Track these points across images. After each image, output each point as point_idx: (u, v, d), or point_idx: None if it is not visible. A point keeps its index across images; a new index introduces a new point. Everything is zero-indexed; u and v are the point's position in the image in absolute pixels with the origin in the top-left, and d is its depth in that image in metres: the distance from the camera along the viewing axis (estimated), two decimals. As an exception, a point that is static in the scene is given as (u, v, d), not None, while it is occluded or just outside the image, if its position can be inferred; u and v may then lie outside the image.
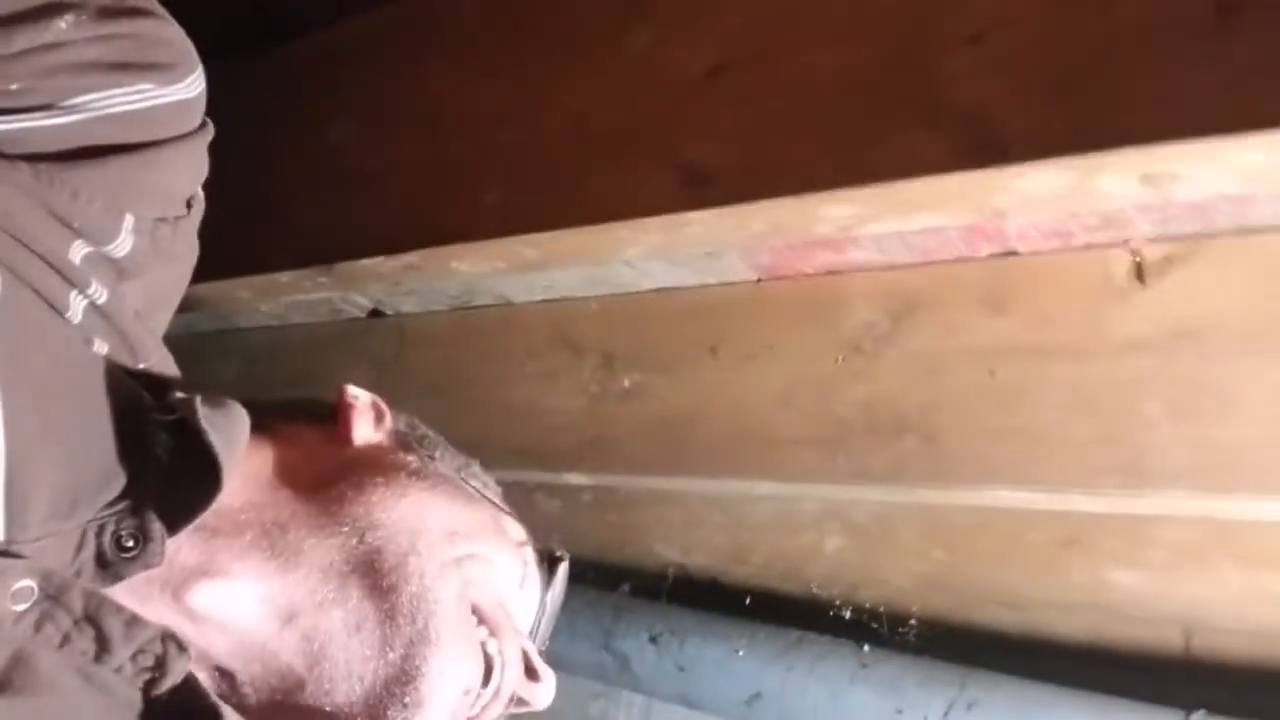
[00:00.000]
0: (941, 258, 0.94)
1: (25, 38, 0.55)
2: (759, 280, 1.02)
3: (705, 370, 0.99)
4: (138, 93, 0.59)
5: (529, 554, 0.74)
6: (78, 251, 0.58)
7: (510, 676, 0.69)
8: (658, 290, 1.05)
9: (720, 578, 1.19)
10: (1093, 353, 0.85)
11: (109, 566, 0.54)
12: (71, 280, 0.58)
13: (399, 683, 0.60)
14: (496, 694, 0.68)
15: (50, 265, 0.56)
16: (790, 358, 0.98)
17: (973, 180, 0.63)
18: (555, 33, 0.87)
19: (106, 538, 0.55)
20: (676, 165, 0.73)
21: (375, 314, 1.22)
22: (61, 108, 0.57)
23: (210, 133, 0.66)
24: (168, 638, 0.55)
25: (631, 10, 0.81)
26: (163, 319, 0.69)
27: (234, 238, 1.02)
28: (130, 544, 0.55)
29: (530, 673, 0.72)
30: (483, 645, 0.67)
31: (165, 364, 0.66)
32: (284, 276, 0.98)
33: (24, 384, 0.53)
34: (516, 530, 0.74)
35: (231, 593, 0.59)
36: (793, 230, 0.73)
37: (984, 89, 0.63)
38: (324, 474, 0.66)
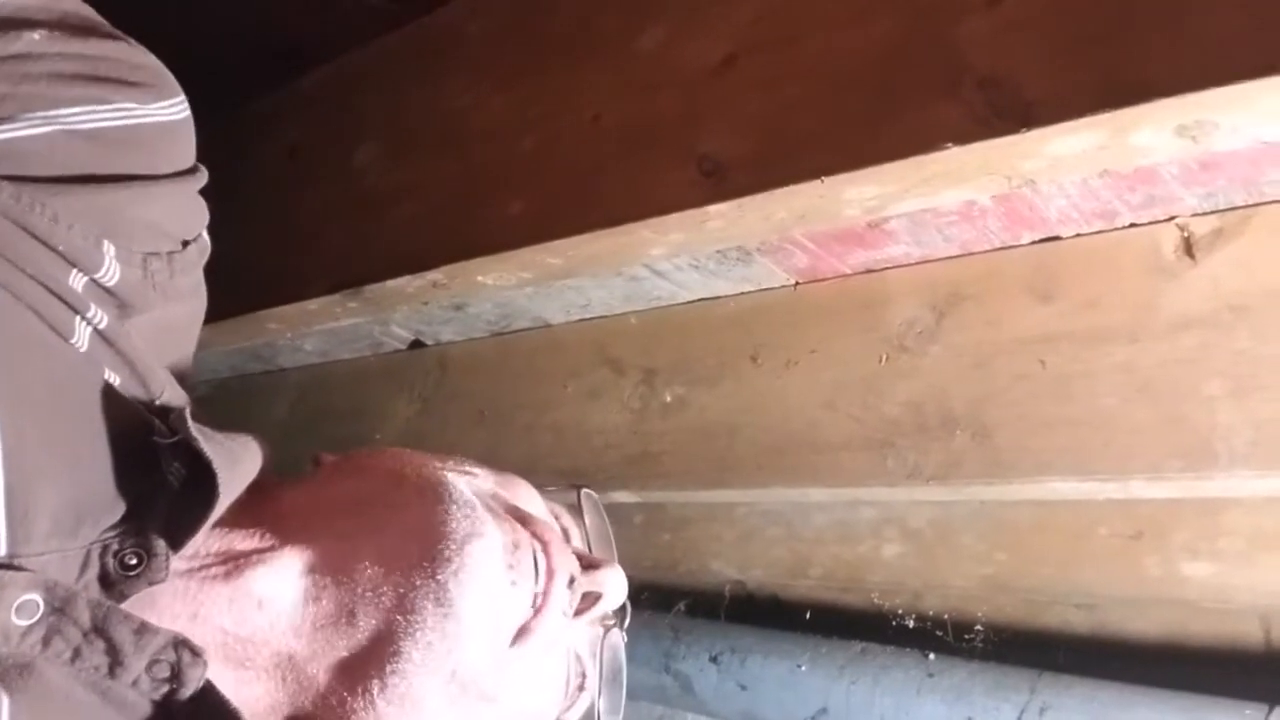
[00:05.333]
0: (982, 248, 0.92)
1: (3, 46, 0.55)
2: (796, 284, 1.00)
3: (747, 379, 0.97)
4: (118, 110, 0.59)
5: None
6: (77, 280, 0.58)
7: (560, 557, 0.66)
8: (695, 302, 1.04)
9: (779, 592, 1.16)
10: (1146, 334, 0.82)
11: (113, 585, 0.53)
12: (73, 305, 0.57)
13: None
14: (550, 576, 0.65)
15: (50, 290, 0.56)
16: (833, 360, 0.95)
17: (998, 148, 0.61)
18: (566, 38, 0.87)
19: (110, 557, 0.54)
20: (694, 159, 0.71)
21: (416, 344, 1.23)
22: (38, 118, 0.56)
23: (203, 178, 0.65)
24: (180, 644, 0.54)
25: (641, 9, 0.81)
26: (179, 360, 0.69)
27: (262, 268, 1.04)
28: (134, 561, 0.54)
29: (588, 565, 0.70)
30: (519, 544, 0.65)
31: (178, 401, 0.66)
32: (313, 304, 0.98)
33: (24, 401, 0.52)
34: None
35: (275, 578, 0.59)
36: (818, 217, 0.72)
37: (1004, 52, 0.61)
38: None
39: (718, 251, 0.88)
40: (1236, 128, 0.59)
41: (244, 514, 0.61)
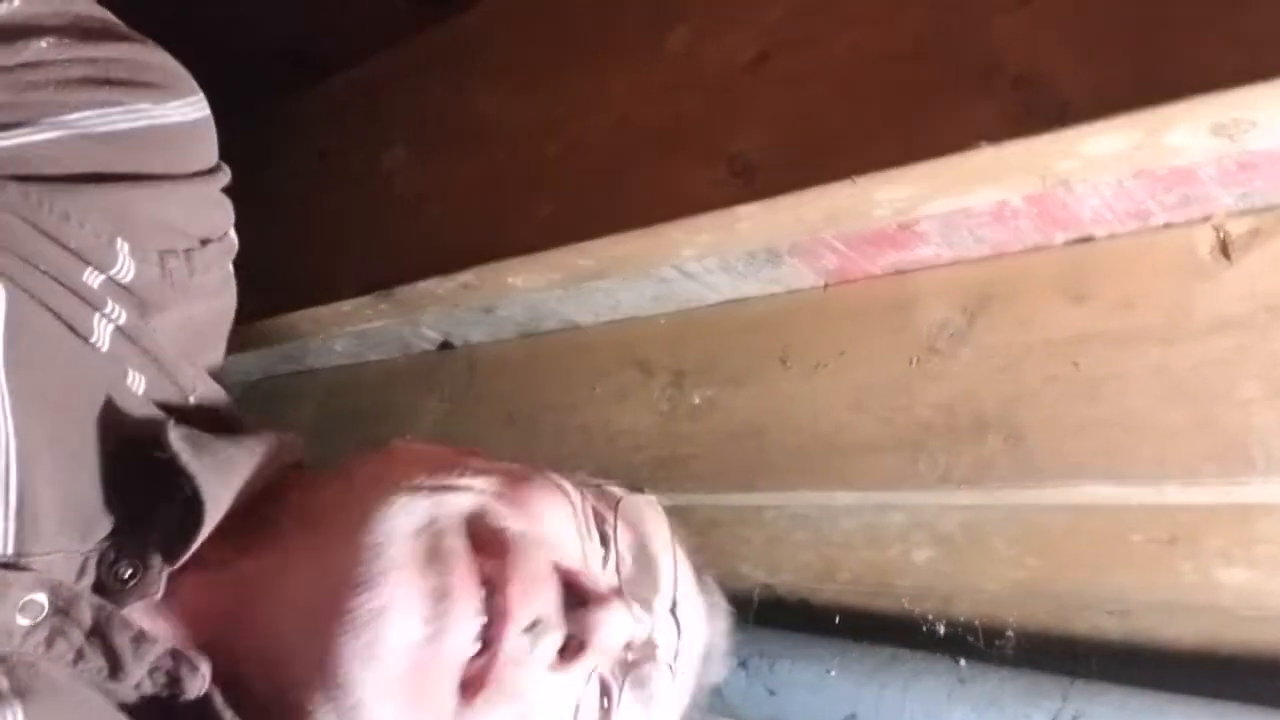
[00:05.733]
0: (1014, 249, 0.91)
1: (3, 56, 0.55)
2: (825, 286, 0.99)
3: (776, 381, 0.97)
4: (130, 111, 0.59)
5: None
6: (93, 277, 0.58)
7: (520, 598, 0.56)
8: (724, 303, 1.03)
9: (808, 597, 1.16)
10: (1181, 335, 0.81)
11: (108, 594, 0.53)
12: (90, 301, 0.57)
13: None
14: (502, 620, 0.55)
15: (65, 287, 0.56)
16: (863, 362, 0.95)
17: (1031, 147, 0.60)
18: (593, 40, 0.86)
19: (105, 567, 0.54)
20: (724, 159, 0.71)
21: (445, 346, 1.23)
22: (48, 123, 0.56)
23: (225, 177, 0.65)
24: (178, 655, 0.53)
25: (668, 10, 0.81)
26: (210, 358, 0.69)
27: (295, 271, 1.05)
28: (128, 574, 0.54)
29: (580, 601, 0.59)
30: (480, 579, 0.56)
31: (213, 396, 0.66)
32: (345, 305, 0.98)
33: (40, 401, 0.52)
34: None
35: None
36: (849, 218, 0.71)
37: (1037, 49, 0.60)
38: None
39: (747, 253, 0.87)
40: (1274, 126, 0.58)
41: (249, 517, 0.59)
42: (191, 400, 0.63)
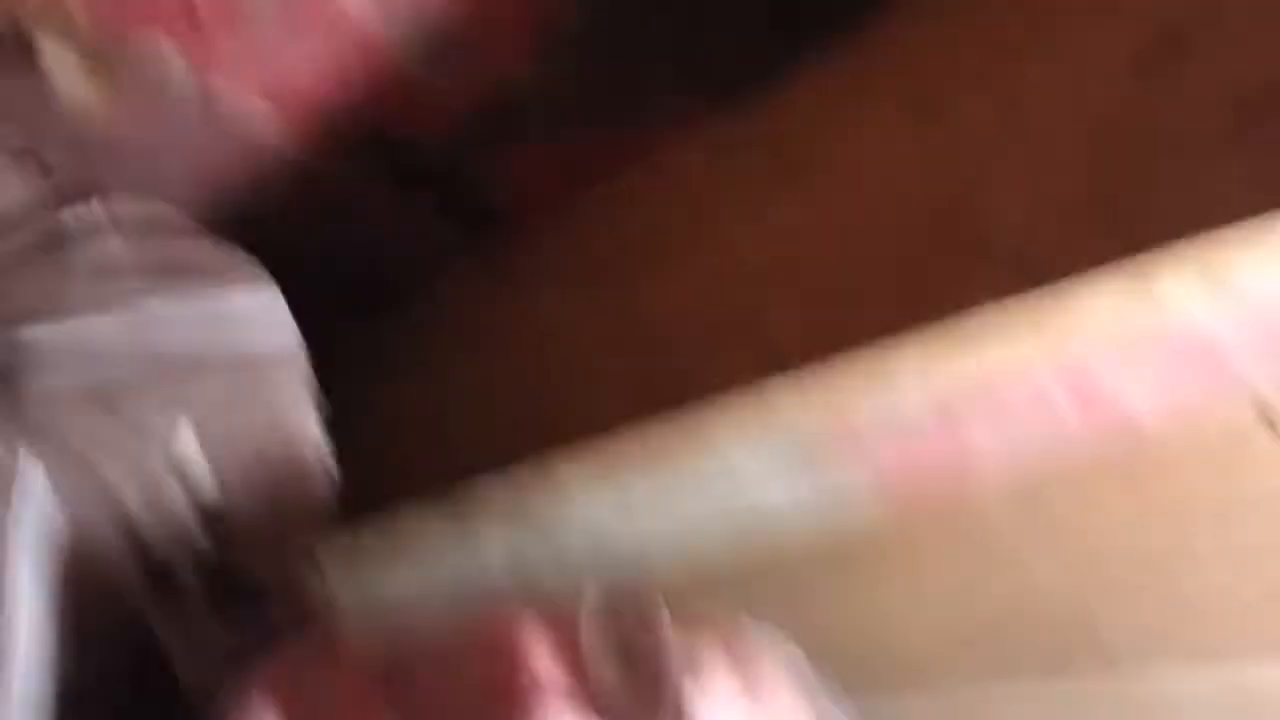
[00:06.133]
0: (1063, 438, 0.92)
1: (79, 253, 0.62)
2: (880, 493, 1.01)
3: (837, 593, 0.97)
4: (191, 299, 0.65)
5: None
6: (156, 452, 0.62)
7: None
8: (780, 524, 1.05)
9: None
10: (1239, 510, 0.81)
11: None
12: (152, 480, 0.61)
13: None
14: None
15: (126, 468, 0.61)
16: (925, 566, 0.95)
17: (1027, 308, 0.64)
18: (632, 245, 0.95)
19: None
20: (753, 347, 0.77)
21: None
22: (118, 311, 0.62)
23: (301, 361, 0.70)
24: None
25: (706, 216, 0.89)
26: None
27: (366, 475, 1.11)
28: None
29: None
30: None
31: None
32: (409, 521, 1.02)
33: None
34: None
35: None
36: (878, 399, 0.75)
37: (1027, 220, 0.66)
38: None
39: (789, 445, 0.90)
40: (1260, 269, 0.61)
41: None
42: None
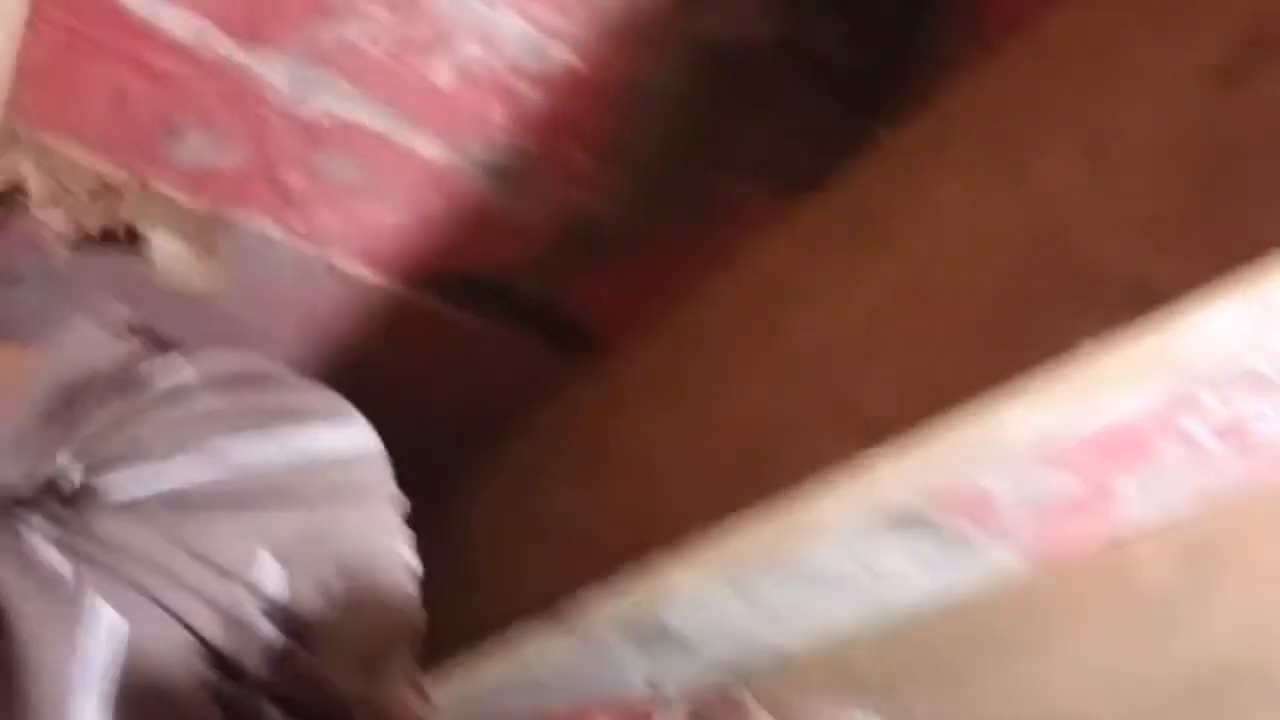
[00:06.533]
0: (1226, 497, 0.86)
1: (163, 403, 0.62)
2: (1033, 569, 0.95)
3: (993, 672, 0.91)
4: (275, 439, 0.64)
5: None
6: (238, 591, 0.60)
7: None
8: (928, 605, 1.00)
9: None
10: None
11: None
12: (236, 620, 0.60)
13: None
14: None
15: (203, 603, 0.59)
16: (1087, 640, 0.88)
17: (1136, 338, 0.60)
18: (718, 342, 0.94)
19: None
20: (856, 422, 0.73)
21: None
22: (197, 453, 0.61)
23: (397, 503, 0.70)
24: None
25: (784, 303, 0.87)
26: None
27: (469, 615, 1.10)
28: None
29: None
30: None
31: None
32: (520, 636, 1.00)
33: None
34: None
35: None
36: (983, 454, 0.70)
37: (1126, 244, 0.62)
38: None
39: (925, 531, 0.86)
40: None
41: None
42: None
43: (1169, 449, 0.80)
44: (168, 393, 0.65)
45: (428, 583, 0.74)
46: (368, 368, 1.24)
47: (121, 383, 0.64)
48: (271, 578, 0.62)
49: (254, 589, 0.61)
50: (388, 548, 0.70)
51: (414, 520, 0.76)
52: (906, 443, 0.69)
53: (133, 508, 0.60)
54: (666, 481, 0.91)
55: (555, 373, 1.21)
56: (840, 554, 0.92)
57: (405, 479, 0.76)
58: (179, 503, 0.61)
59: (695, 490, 0.85)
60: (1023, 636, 0.91)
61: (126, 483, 0.61)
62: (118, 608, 0.56)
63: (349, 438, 0.69)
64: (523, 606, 1.00)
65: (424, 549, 0.75)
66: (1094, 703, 0.83)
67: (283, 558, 0.62)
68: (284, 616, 0.62)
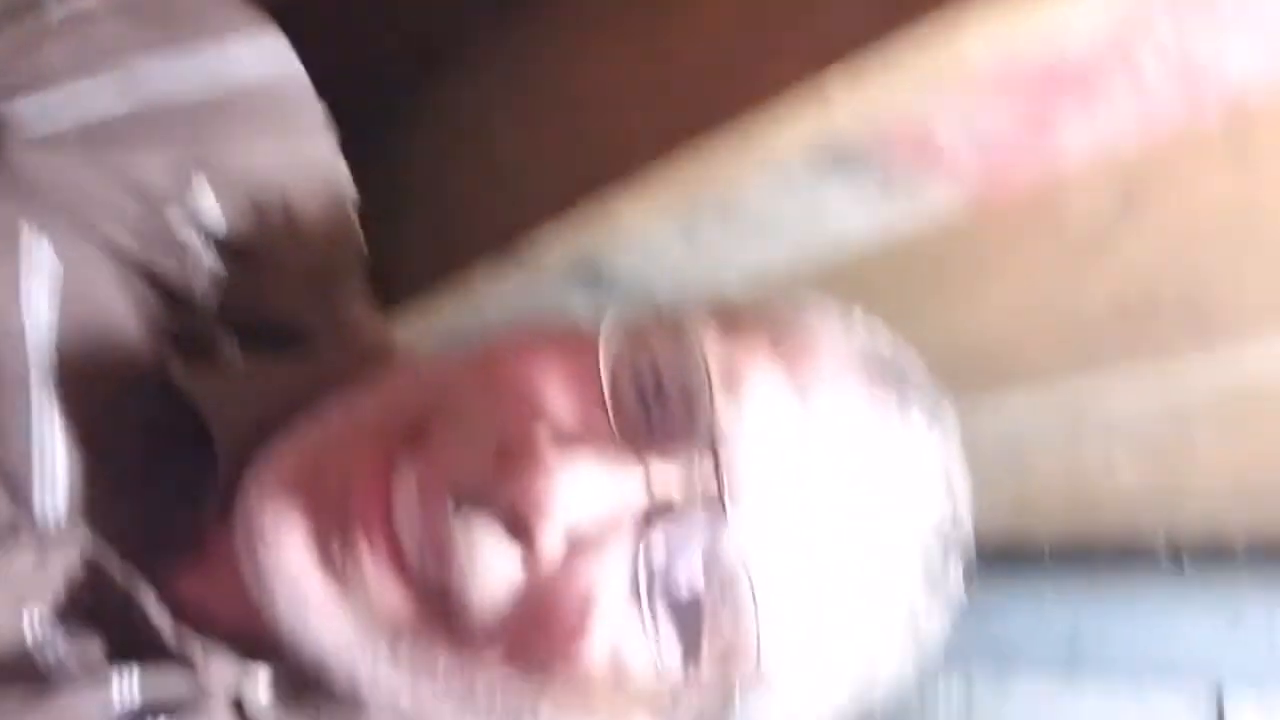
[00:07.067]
0: (1164, 130, 0.87)
1: (54, 10, 0.57)
2: (971, 207, 0.97)
3: (931, 308, 0.95)
4: (190, 57, 0.60)
5: None
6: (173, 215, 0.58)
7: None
8: (868, 246, 1.02)
9: (1011, 531, 1.12)
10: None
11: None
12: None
13: None
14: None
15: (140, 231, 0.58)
16: (1019, 263, 0.92)
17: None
18: None
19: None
20: (805, 43, 0.72)
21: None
22: (109, 74, 0.58)
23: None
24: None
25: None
26: None
27: (420, 255, 1.11)
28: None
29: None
30: None
31: None
32: (476, 276, 1.01)
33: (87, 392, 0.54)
34: None
35: None
36: (936, 79, 0.70)
37: None
38: None
39: (864, 169, 0.86)
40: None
41: None
42: None
43: (1115, 79, 0.80)
44: (67, 18, 0.59)
45: (368, 222, 0.72)
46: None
47: (13, 9, 0.59)
48: (207, 205, 0.59)
49: (192, 217, 0.58)
50: (323, 177, 0.66)
51: (348, 156, 0.71)
52: (861, 66, 0.68)
53: (54, 141, 0.57)
54: (618, 115, 0.89)
55: (491, 8, 1.14)
56: (784, 193, 0.93)
57: (337, 115, 0.71)
58: (101, 136, 0.58)
59: (647, 123, 0.83)
60: (959, 273, 0.94)
61: (38, 112, 0.57)
62: (54, 245, 0.55)
63: (273, 56, 0.63)
64: (472, 248, 1.00)
65: (360, 185, 0.72)
66: (1026, 332, 0.88)
67: (215, 186, 0.59)
68: (224, 245, 0.60)
